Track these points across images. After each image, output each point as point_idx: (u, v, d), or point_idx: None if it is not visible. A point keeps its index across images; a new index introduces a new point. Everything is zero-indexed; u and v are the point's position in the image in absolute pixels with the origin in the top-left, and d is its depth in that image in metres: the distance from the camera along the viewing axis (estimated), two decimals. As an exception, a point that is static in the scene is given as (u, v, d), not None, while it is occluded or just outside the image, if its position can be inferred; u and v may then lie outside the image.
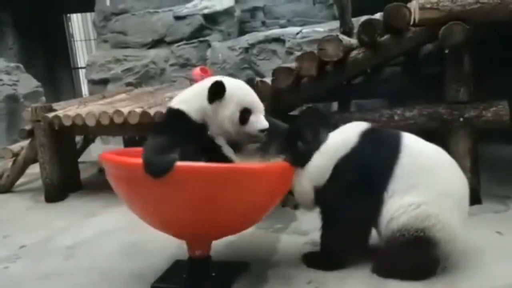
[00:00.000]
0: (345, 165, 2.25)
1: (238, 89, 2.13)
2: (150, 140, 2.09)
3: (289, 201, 2.49)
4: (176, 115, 2.15)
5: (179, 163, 1.92)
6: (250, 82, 2.27)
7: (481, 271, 2.23)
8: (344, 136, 2.31)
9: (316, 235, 2.48)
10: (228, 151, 2.15)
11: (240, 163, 2.17)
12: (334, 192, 2.26)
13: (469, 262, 2.32)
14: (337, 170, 2.26)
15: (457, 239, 2.20)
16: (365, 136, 2.29)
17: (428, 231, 2.11)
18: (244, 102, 2.11)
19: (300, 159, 2.27)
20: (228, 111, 2.09)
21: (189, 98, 2.17)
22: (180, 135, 2.05)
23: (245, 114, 2.10)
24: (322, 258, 2.39)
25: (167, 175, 1.89)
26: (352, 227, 2.26)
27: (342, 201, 2.23)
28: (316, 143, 2.28)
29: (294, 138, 2.28)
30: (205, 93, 2.10)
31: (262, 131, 2.14)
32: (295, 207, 2.50)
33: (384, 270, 2.23)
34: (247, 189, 2.04)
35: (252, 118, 2.12)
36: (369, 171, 2.21)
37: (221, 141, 2.13)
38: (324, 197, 2.30)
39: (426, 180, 2.17)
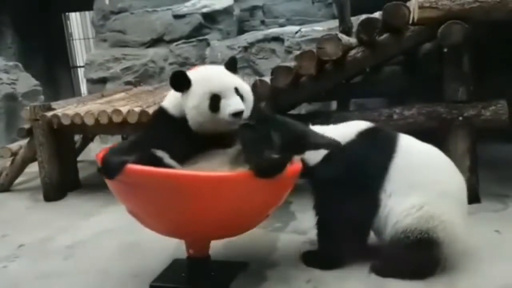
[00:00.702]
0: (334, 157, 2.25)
1: (203, 76, 2.00)
2: (129, 138, 2.11)
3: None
4: (159, 112, 2.17)
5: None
6: (232, 62, 2.08)
7: (480, 270, 2.23)
8: (341, 132, 2.31)
9: (314, 234, 2.48)
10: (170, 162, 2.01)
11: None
12: (325, 184, 2.25)
13: (468, 261, 2.32)
14: (328, 159, 2.24)
15: (459, 239, 2.20)
16: (362, 134, 2.31)
17: (432, 232, 2.11)
18: (211, 87, 1.95)
19: (268, 169, 1.88)
20: (195, 100, 1.95)
21: (170, 94, 2.16)
22: (163, 131, 2.03)
23: (214, 100, 1.94)
24: (320, 257, 2.39)
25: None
26: (347, 224, 2.24)
27: (333, 195, 2.24)
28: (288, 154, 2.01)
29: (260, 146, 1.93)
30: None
31: (235, 114, 1.94)
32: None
33: (384, 270, 2.23)
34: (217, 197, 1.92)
35: (223, 103, 1.94)
36: (362, 167, 2.22)
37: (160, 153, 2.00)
38: (315, 184, 2.32)
39: (425, 181, 2.18)
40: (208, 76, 2.01)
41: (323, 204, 2.32)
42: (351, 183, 2.20)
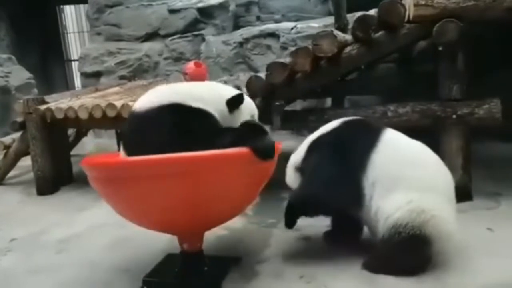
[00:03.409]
0: (319, 140, 2.44)
1: (246, 101, 2.32)
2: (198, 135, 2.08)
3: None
4: (202, 115, 2.15)
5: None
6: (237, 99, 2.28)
7: (472, 268, 2.25)
8: (328, 125, 2.49)
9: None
10: None
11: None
12: (311, 159, 2.40)
13: (459, 258, 2.33)
14: (312, 145, 2.46)
15: (450, 235, 2.21)
16: (348, 123, 2.45)
17: (423, 228, 2.11)
18: (252, 110, 2.34)
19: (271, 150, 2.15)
20: (242, 117, 2.26)
21: (208, 100, 2.17)
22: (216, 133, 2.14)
23: (252, 118, 2.33)
24: (289, 207, 2.44)
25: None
26: (325, 192, 2.30)
27: (317, 169, 2.37)
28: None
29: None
30: (223, 99, 2.20)
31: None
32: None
33: (376, 267, 2.24)
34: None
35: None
36: (343, 147, 2.33)
37: None
38: (303, 170, 2.44)
39: (411, 175, 2.18)
40: (249, 102, 2.35)
41: (308, 173, 2.42)
42: (334, 162, 2.31)
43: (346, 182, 2.26)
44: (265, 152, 2.07)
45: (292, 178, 2.53)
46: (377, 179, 2.21)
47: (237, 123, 2.21)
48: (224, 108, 2.19)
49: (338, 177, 2.28)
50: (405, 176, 2.18)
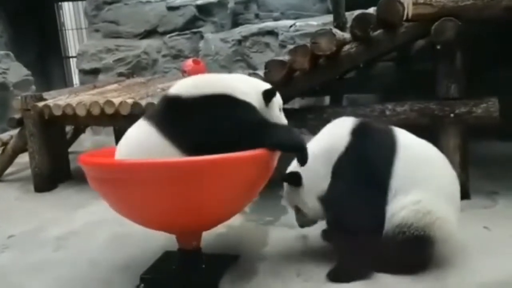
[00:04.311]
0: (342, 165, 2.21)
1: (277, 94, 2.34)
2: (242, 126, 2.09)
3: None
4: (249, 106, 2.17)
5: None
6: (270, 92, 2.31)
7: (469, 266, 2.25)
8: (334, 136, 2.29)
9: (306, 228, 2.49)
10: None
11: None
12: (338, 193, 2.20)
13: (457, 257, 2.34)
14: (335, 171, 2.22)
15: (453, 236, 2.20)
16: (356, 133, 2.26)
17: (428, 229, 2.10)
18: (281, 103, 2.34)
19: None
20: (277, 108, 2.30)
21: (249, 93, 2.18)
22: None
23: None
24: (344, 269, 2.23)
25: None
26: (365, 228, 2.15)
27: (348, 203, 2.17)
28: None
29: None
30: (259, 91, 2.21)
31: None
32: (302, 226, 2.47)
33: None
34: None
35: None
36: (368, 169, 2.17)
37: None
38: (329, 202, 2.25)
39: (423, 176, 2.16)
40: (278, 94, 2.32)
41: (336, 210, 2.24)
42: (360, 185, 2.16)
43: (378, 203, 2.17)
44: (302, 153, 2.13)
45: (315, 210, 2.32)
46: (398, 188, 2.14)
47: (271, 116, 2.22)
48: (261, 100, 2.19)
49: (372, 205, 2.16)
50: (417, 178, 2.15)
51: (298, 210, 2.42)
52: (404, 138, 2.26)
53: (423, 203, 2.11)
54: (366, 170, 2.17)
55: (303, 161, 2.15)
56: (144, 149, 2.06)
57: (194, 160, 1.95)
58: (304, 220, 2.44)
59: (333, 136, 2.31)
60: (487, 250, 2.41)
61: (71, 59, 8.76)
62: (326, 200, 2.26)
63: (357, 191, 2.16)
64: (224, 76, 2.31)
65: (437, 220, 2.11)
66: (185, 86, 2.18)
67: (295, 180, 2.31)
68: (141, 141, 2.11)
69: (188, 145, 2.04)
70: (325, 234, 2.57)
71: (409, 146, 2.23)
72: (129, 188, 1.97)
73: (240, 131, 2.05)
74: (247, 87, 2.18)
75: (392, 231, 2.13)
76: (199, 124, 2.06)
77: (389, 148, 2.20)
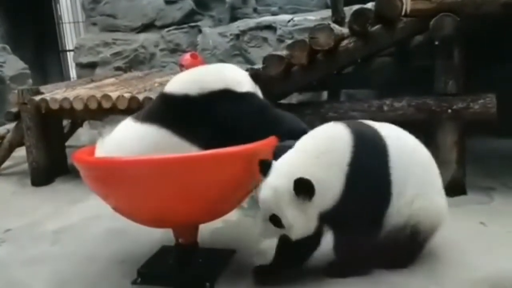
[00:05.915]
0: (355, 174, 2.01)
1: None
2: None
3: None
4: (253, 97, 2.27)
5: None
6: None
7: (464, 261, 2.26)
8: (332, 141, 2.07)
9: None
10: None
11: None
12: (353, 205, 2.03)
13: (452, 252, 2.35)
14: (350, 180, 2.00)
15: (443, 226, 2.23)
16: (355, 138, 2.06)
17: (421, 224, 2.12)
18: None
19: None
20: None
21: (247, 81, 2.30)
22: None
23: None
24: (341, 265, 2.19)
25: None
26: (369, 235, 2.10)
27: (361, 213, 2.05)
28: None
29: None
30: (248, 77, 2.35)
31: None
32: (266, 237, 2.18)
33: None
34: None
35: None
36: (373, 181, 2.06)
37: None
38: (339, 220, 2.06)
39: (413, 173, 2.15)
40: None
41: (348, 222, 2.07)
42: (371, 196, 2.05)
43: (383, 213, 2.12)
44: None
45: (306, 226, 2.01)
46: (397, 192, 2.10)
47: (260, 94, 2.32)
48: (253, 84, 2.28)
49: (379, 216, 2.11)
50: (409, 176, 2.12)
51: (274, 221, 1.98)
52: (389, 137, 2.13)
53: (417, 200, 2.12)
54: (372, 183, 2.06)
55: None
56: (160, 150, 2.02)
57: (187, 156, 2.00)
58: (274, 233, 2.05)
59: (330, 141, 2.07)
60: (482, 245, 2.42)
61: (68, 53, 8.72)
62: (335, 217, 2.04)
63: (368, 208, 2.05)
64: (219, 69, 2.34)
65: (429, 213, 2.13)
66: (186, 83, 2.21)
67: (308, 190, 1.91)
68: (157, 143, 2.11)
69: (206, 143, 2.08)
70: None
71: (396, 147, 2.11)
72: (129, 185, 1.99)
73: (255, 123, 2.14)
74: (241, 76, 2.27)
75: (388, 229, 2.13)
76: (214, 121, 2.12)
77: (383, 154, 2.09)
